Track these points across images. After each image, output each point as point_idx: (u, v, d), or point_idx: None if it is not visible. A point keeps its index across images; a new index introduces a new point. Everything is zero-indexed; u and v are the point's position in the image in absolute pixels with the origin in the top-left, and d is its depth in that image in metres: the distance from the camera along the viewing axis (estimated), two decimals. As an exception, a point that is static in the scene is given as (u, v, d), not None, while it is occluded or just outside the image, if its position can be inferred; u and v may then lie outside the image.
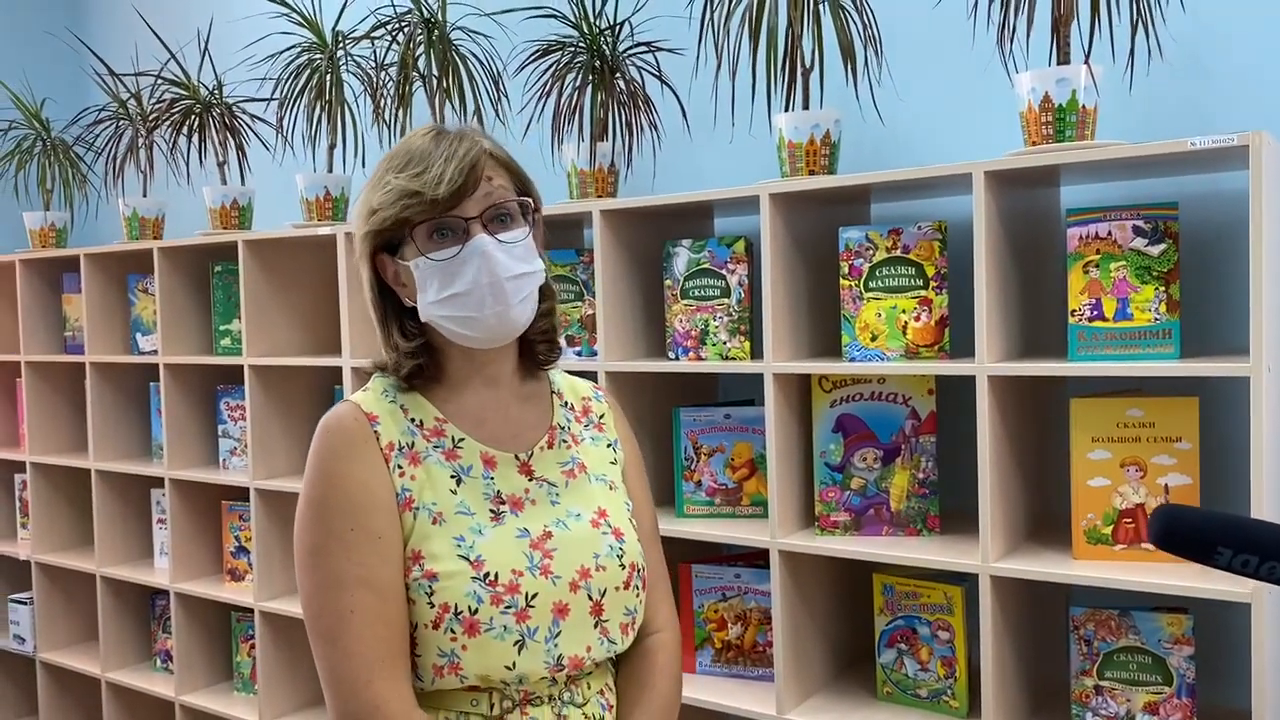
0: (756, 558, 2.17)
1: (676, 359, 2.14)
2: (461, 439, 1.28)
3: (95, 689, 3.33)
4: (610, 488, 1.35)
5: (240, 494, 2.91)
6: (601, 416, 1.42)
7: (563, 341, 1.42)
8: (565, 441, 1.35)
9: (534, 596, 1.21)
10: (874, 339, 1.91)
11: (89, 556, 3.31)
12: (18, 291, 3.47)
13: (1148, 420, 1.72)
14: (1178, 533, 0.92)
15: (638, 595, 1.31)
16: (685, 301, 2.13)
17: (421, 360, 1.28)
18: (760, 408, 2.06)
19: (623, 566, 1.29)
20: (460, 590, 1.19)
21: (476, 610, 1.19)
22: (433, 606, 1.19)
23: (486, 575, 1.20)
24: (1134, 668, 1.74)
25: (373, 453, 1.24)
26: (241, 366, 2.77)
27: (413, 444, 1.26)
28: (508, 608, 1.20)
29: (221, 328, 2.95)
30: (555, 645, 1.22)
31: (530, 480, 1.29)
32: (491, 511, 1.25)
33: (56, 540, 3.49)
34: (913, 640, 1.98)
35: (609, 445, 1.40)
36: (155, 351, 3.05)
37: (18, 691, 3.74)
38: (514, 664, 1.20)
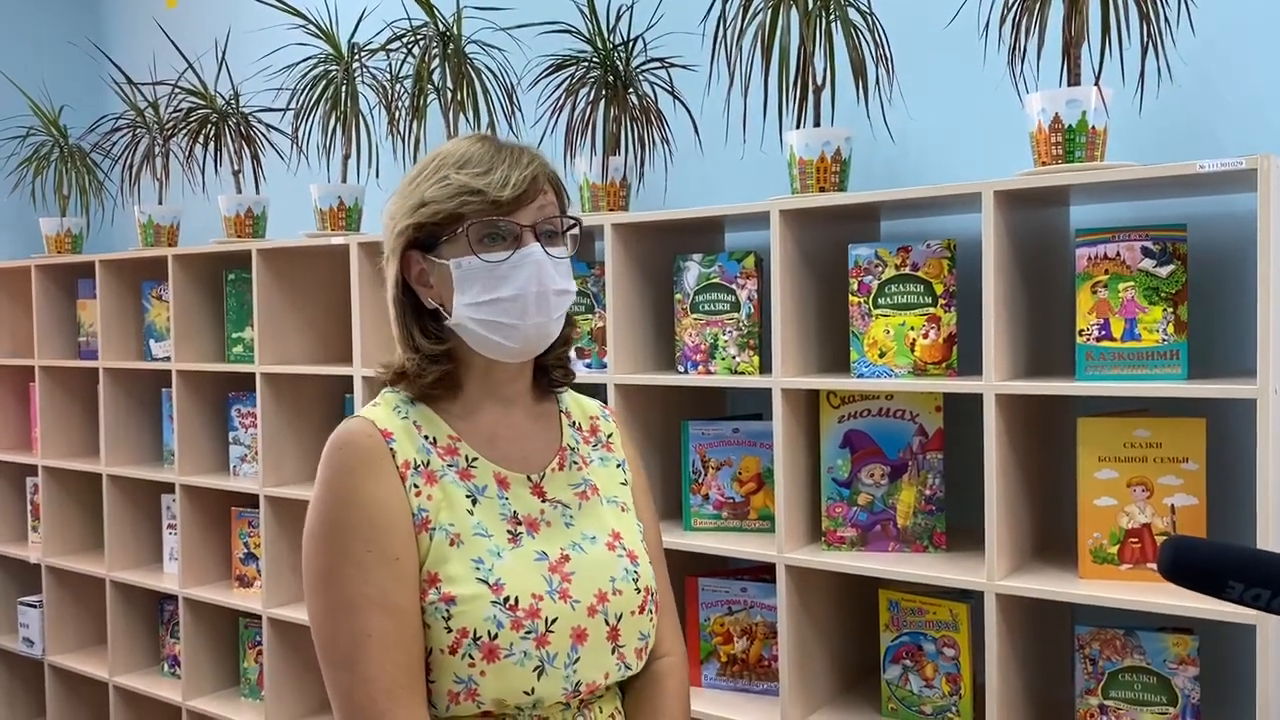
0: (763, 572, 2.18)
1: (686, 372, 2.16)
2: (475, 458, 1.26)
3: (103, 692, 3.35)
4: (622, 510, 1.34)
5: (250, 501, 2.93)
6: (609, 436, 1.41)
7: (574, 357, 1.43)
8: (575, 463, 1.34)
9: (554, 621, 1.19)
10: (882, 355, 1.92)
11: (99, 560, 3.33)
12: (33, 296, 3.49)
13: (1154, 440, 1.72)
14: (1188, 566, 0.91)
15: (651, 619, 1.30)
16: (695, 315, 2.14)
17: (447, 368, 1.26)
18: (768, 422, 2.07)
19: (638, 590, 1.27)
20: (480, 615, 1.17)
21: (496, 635, 1.16)
22: (450, 631, 1.17)
23: (506, 599, 1.18)
24: (1139, 688, 1.74)
25: (389, 471, 1.20)
26: (253, 374, 2.79)
27: (428, 462, 1.23)
28: (528, 633, 1.18)
29: (234, 335, 2.97)
30: (574, 671, 1.21)
31: (544, 501, 1.28)
32: (509, 533, 1.23)
33: (67, 544, 3.51)
34: (918, 657, 1.98)
35: (618, 465, 1.39)
36: (168, 358, 3.08)
37: (26, 694, 3.76)
38: (533, 689, 1.18)
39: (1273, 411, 1.55)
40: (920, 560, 1.93)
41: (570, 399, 1.41)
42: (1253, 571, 0.88)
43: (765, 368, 2.10)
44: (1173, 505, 1.71)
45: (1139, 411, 1.79)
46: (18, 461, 3.64)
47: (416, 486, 1.21)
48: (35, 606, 3.54)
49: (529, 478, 1.28)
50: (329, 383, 2.87)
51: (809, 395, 2.03)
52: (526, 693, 1.18)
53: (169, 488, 3.13)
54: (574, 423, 1.38)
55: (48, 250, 3.58)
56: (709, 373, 2.13)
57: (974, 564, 1.87)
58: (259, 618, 2.83)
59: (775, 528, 2.00)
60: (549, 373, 1.35)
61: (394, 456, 1.21)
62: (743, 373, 2.10)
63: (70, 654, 3.49)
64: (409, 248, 1.25)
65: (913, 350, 1.90)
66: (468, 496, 1.23)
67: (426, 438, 1.25)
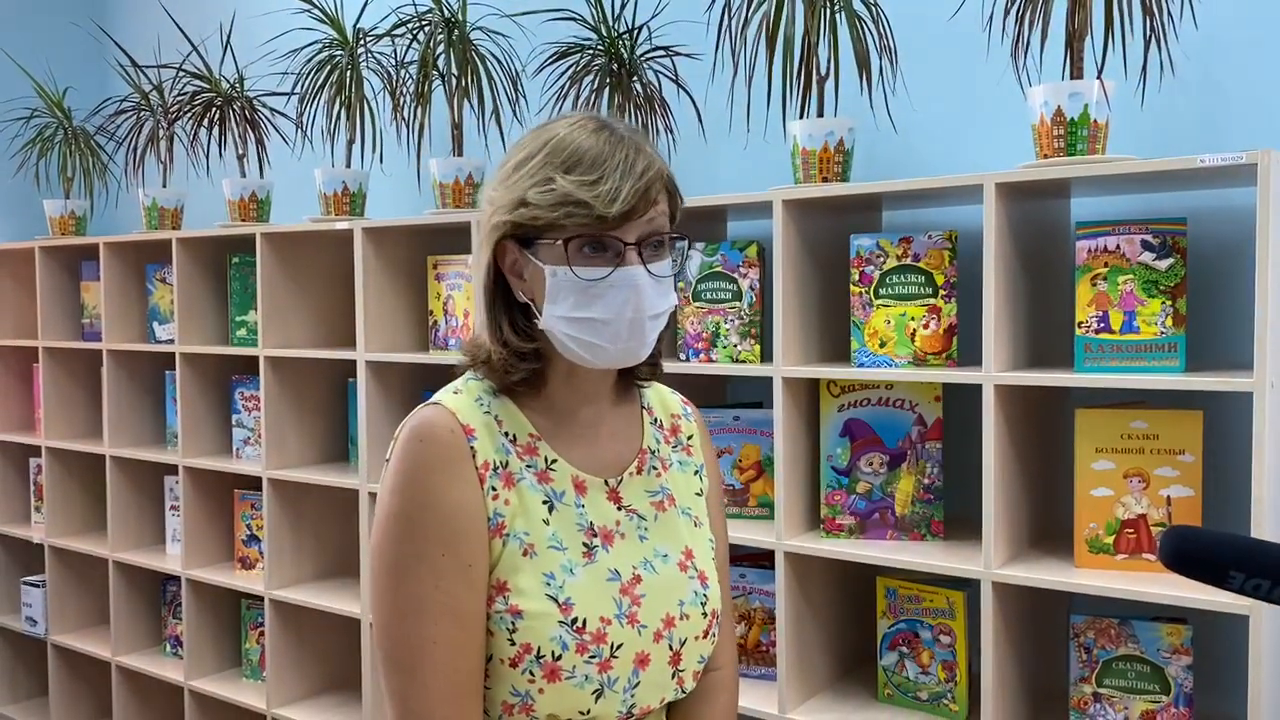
0: (762, 559, 2.20)
1: (687, 360, 2.17)
2: (554, 460, 1.20)
3: (105, 672, 3.37)
4: (695, 524, 1.28)
5: (253, 483, 2.94)
6: (690, 438, 1.34)
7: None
8: (655, 468, 1.28)
9: (619, 647, 1.16)
10: (883, 345, 1.93)
11: (102, 541, 3.35)
12: (37, 278, 3.51)
13: (1151, 432, 1.74)
14: (1189, 555, 0.92)
15: (713, 642, 1.26)
16: (697, 304, 2.16)
17: (536, 366, 1.20)
18: (769, 410, 2.08)
19: (704, 614, 1.23)
20: (545, 633, 1.13)
21: (560, 656, 1.13)
22: (514, 644, 1.13)
23: (574, 621, 1.14)
24: (1132, 676, 1.76)
25: (468, 471, 1.15)
26: (257, 357, 2.80)
27: (507, 463, 1.18)
28: (592, 657, 1.14)
29: (238, 318, 2.98)
30: (632, 695, 1.17)
31: (619, 509, 1.23)
32: (585, 545, 1.18)
33: (70, 524, 3.53)
34: (914, 644, 2.00)
35: (695, 472, 1.32)
36: (172, 340, 3.09)
37: (29, 673, 3.79)
38: (588, 710, 1.15)
39: (1269, 405, 1.56)
40: (918, 548, 1.95)
41: (654, 393, 1.35)
42: (1253, 561, 0.89)
43: (766, 356, 2.11)
44: (1169, 497, 1.73)
45: (1136, 403, 1.81)
46: (21, 442, 3.66)
47: (494, 490, 1.16)
48: (38, 586, 3.57)
49: (606, 482, 1.23)
50: (332, 366, 2.88)
51: (809, 384, 2.04)
52: (582, 713, 1.16)
53: (172, 469, 3.15)
54: (656, 419, 1.32)
55: (52, 232, 3.59)
56: (710, 361, 2.14)
57: (971, 552, 1.88)
58: (261, 599, 2.85)
59: (774, 515, 2.02)
60: (635, 368, 1.27)
61: (474, 456, 1.16)
62: (744, 361, 2.11)
63: (73, 634, 3.51)
64: (505, 238, 1.17)
65: (913, 340, 1.92)
66: (544, 503, 1.18)
67: (506, 434, 1.19)
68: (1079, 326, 1.75)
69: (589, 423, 1.24)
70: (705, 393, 2.42)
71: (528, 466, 1.19)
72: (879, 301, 1.93)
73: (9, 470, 3.76)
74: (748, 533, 2.08)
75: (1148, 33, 1.70)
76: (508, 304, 1.20)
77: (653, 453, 1.29)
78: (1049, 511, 1.99)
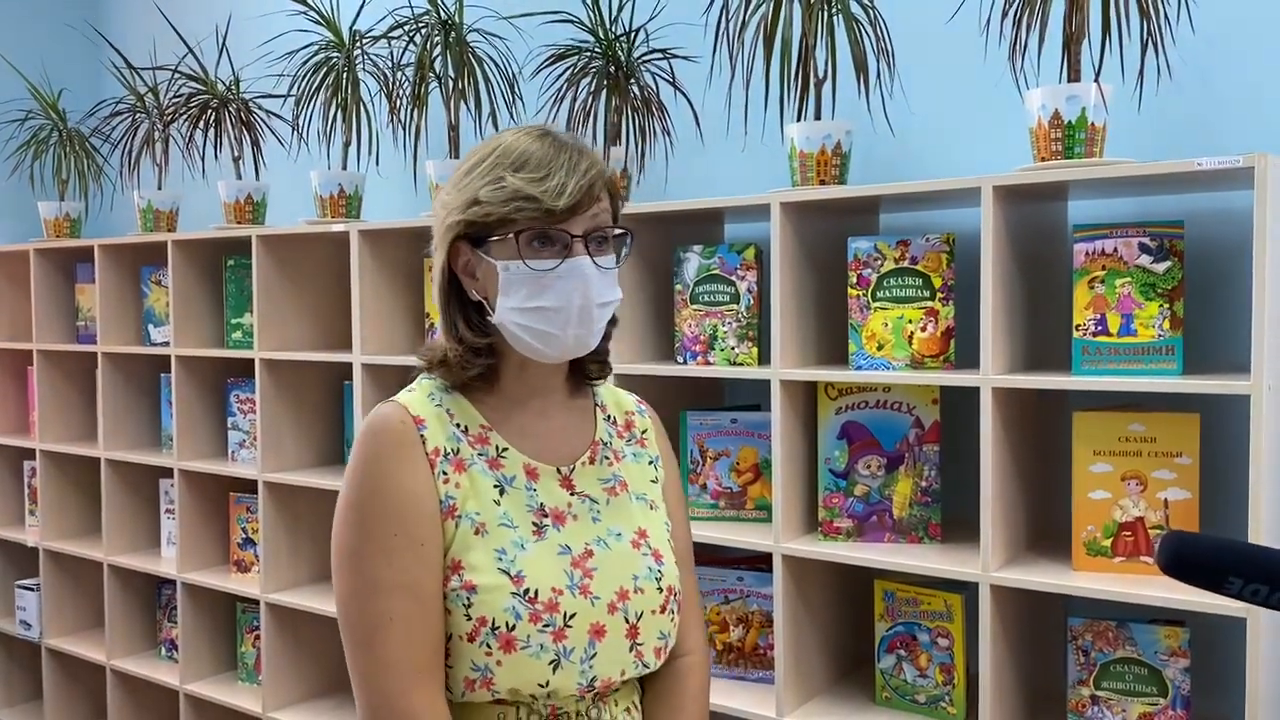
0: (759, 561, 2.19)
1: (685, 363, 2.17)
2: (505, 448, 1.27)
3: (100, 676, 3.36)
4: (650, 507, 1.34)
5: (248, 486, 2.94)
6: (644, 432, 1.40)
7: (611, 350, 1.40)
8: (607, 458, 1.33)
9: (572, 616, 1.20)
10: (880, 348, 1.93)
11: (97, 544, 3.34)
12: (31, 280, 3.50)
13: (1149, 435, 1.74)
14: (1187, 561, 0.92)
15: (673, 619, 1.29)
16: (695, 306, 2.15)
17: (490, 361, 1.27)
18: (766, 413, 2.08)
19: (660, 589, 1.27)
20: (499, 605, 1.18)
21: (514, 626, 1.18)
22: (470, 619, 1.18)
23: (526, 591, 1.19)
24: (1130, 679, 1.76)
25: (418, 457, 1.22)
26: (252, 360, 2.80)
27: (458, 450, 1.24)
28: (545, 626, 1.18)
29: (233, 321, 2.98)
30: (590, 666, 1.21)
31: (572, 495, 1.28)
32: (534, 525, 1.24)
33: (65, 527, 3.52)
34: (912, 646, 2.00)
35: (650, 462, 1.38)
36: (167, 343, 3.08)
37: (23, 677, 3.78)
38: (547, 682, 1.19)
39: (1266, 407, 1.56)
40: (915, 551, 1.95)
41: (607, 392, 1.41)
42: (1252, 567, 0.89)
43: (764, 359, 2.11)
44: (1166, 499, 1.73)
45: (1134, 406, 1.81)
46: (15, 445, 3.65)
47: (445, 474, 1.22)
48: (33, 590, 3.55)
49: (559, 470, 1.28)
50: (328, 369, 2.88)
51: (807, 387, 2.04)
52: (541, 685, 1.19)
53: (167, 472, 3.14)
54: (609, 416, 1.38)
55: (46, 234, 3.58)
56: (708, 363, 2.14)
57: (969, 555, 1.88)
58: (257, 602, 2.84)
59: (772, 518, 2.02)
60: (585, 366, 1.34)
61: (424, 443, 1.23)
62: (741, 364, 2.11)
63: (67, 637, 3.50)
64: (458, 239, 1.24)
65: (911, 343, 1.92)
66: (495, 486, 1.24)
67: (458, 425, 1.26)
68: (1076, 329, 1.75)
69: (541, 415, 1.31)
70: (703, 395, 2.42)
71: (479, 454, 1.25)
72: (876, 304, 1.93)
73: (3, 473, 3.75)
74: (745, 535, 2.08)
75: (1145, 36, 1.70)
76: (462, 303, 1.27)
77: (605, 444, 1.34)
78: (1047, 514, 1.99)
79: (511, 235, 1.20)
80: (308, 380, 2.87)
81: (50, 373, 3.51)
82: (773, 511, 2.02)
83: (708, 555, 2.29)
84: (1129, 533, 1.75)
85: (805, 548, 1.99)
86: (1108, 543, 1.76)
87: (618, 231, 1.27)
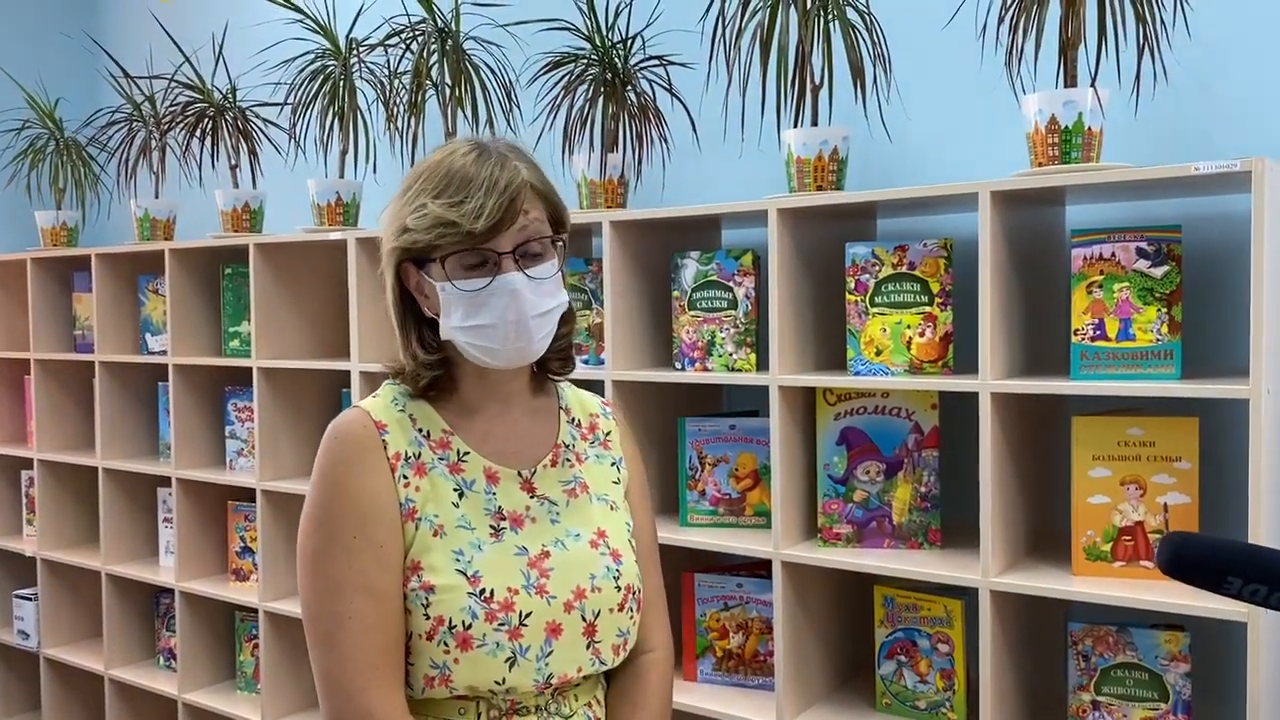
0: (759, 568, 2.19)
1: (683, 369, 2.17)
2: (466, 453, 1.29)
3: (98, 685, 3.35)
4: (611, 508, 1.36)
5: (246, 495, 2.93)
6: (608, 434, 1.42)
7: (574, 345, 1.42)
8: (569, 460, 1.35)
9: (528, 615, 1.23)
10: (879, 354, 1.93)
11: (94, 554, 3.33)
12: (28, 290, 3.49)
13: (1148, 439, 1.74)
14: (1187, 561, 0.92)
15: (631, 617, 1.31)
16: (692, 313, 2.15)
17: (439, 373, 1.30)
18: (765, 419, 2.08)
19: (619, 589, 1.29)
20: (455, 604, 1.21)
21: (470, 625, 1.20)
22: (428, 618, 1.21)
23: (482, 591, 1.22)
24: (1131, 684, 1.76)
25: (379, 461, 1.25)
26: (250, 368, 2.79)
27: (419, 455, 1.27)
28: (501, 625, 1.21)
29: (231, 329, 2.97)
30: (546, 664, 1.24)
31: (531, 498, 1.30)
32: (492, 528, 1.26)
33: (62, 537, 3.51)
34: (912, 652, 1.99)
35: (613, 464, 1.40)
36: (164, 352, 3.08)
37: (21, 687, 3.76)
38: (504, 679, 1.22)
39: (1265, 411, 1.56)
40: (915, 557, 1.95)
41: (572, 394, 1.43)
42: (1251, 567, 0.89)
43: (762, 365, 2.11)
44: (1165, 504, 1.73)
45: (1133, 410, 1.81)
46: (13, 454, 3.64)
47: (406, 478, 1.25)
48: (30, 599, 3.55)
49: (520, 473, 1.31)
50: (326, 377, 2.87)
51: (805, 392, 2.04)
52: (497, 682, 1.22)
53: (165, 481, 3.13)
54: (573, 419, 1.39)
55: (43, 243, 3.58)
56: (706, 369, 2.14)
57: (968, 561, 1.88)
58: (255, 611, 2.84)
59: (771, 524, 2.02)
60: (547, 364, 1.36)
61: (385, 448, 1.26)
62: (740, 370, 2.11)
63: (65, 647, 3.49)
64: (402, 260, 1.27)
65: (909, 348, 1.92)
66: (455, 490, 1.27)
67: (420, 430, 1.29)
68: (1075, 334, 1.75)
69: (503, 420, 1.33)
70: (701, 401, 2.42)
71: (440, 459, 1.28)
72: (875, 309, 1.93)
73: (1, 483, 3.74)
74: (744, 542, 2.07)
75: (1141, 41, 1.70)
76: (418, 319, 1.30)
77: (567, 447, 1.36)
78: (1046, 519, 1.99)
79: (439, 260, 1.23)
80: (305, 388, 2.86)
81: (48, 382, 3.51)
82: (772, 518, 2.01)
83: (707, 562, 2.29)
84: (1129, 537, 1.75)
85: (805, 554, 1.99)
86: (1108, 547, 1.76)
87: (550, 237, 1.27)
